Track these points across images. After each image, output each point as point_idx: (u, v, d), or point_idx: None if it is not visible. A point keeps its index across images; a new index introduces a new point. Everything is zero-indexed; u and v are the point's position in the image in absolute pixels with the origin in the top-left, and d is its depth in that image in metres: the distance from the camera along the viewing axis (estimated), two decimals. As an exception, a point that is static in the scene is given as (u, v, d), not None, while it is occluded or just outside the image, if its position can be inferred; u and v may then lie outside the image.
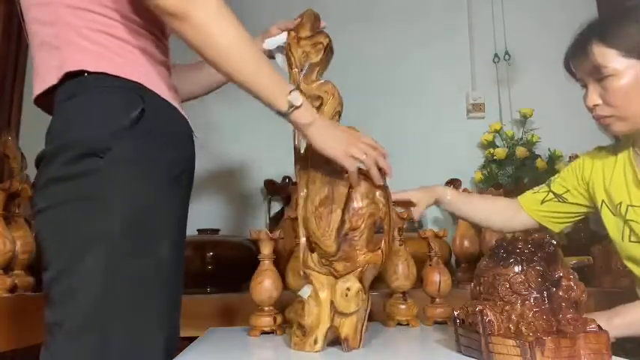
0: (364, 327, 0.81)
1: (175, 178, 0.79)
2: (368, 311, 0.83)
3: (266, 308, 0.98)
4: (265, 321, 0.97)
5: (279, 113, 0.77)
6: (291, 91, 0.76)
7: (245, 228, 1.61)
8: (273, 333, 0.97)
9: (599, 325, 0.66)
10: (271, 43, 0.93)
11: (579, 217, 1.13)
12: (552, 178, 1.14)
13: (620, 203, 1.00)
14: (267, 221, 1.79)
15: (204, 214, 1.73)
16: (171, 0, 0.69)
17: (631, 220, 0.98)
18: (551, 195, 1.11)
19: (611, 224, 1.02)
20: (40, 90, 0.77)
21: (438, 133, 1.87)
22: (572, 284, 0.69)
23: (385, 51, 1.92)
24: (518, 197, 1.17)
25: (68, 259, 0.70)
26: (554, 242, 0.73)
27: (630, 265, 1.01)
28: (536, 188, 1.15)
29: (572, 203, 1.10)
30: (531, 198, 1.14)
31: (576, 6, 1.91)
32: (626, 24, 0.95)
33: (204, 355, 0.83)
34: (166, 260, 0.75)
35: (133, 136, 0.73)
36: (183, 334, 1.14)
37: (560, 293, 0.69)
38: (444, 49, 1.96)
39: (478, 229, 1.60)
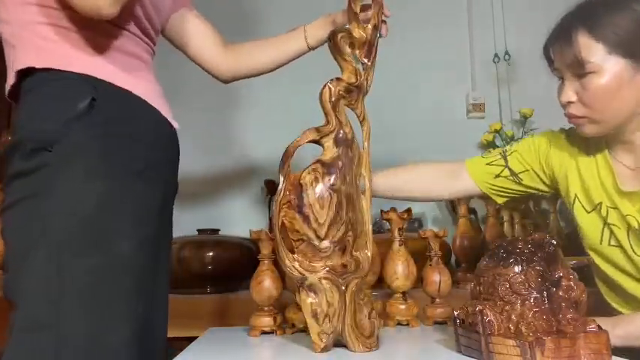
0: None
1: (137, 172, 0.76)
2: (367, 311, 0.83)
3: (266, 308, 0.98)
4: (265, 321, 0.97)
5: None
6: None
7: (245, 228, 1.61)
8: (273, 333, 0.97)
9: (599, 325, 0.66)
10: None
11: (524, 196, 1.08)
12: (507, 149, 1.05)
13: (600, 204, 0.94)
14: (267, 221, 1.79)
15: (204, 214, 1.73)
16: (108, 8, 0.70)
17: (613, 225, 0.92)
18: (507, 172, 1.02)
19: (587, 222, 0.96)
20: (7, 89, 0.77)
21: (438, 133, 1.87)
22: (572, 284, 0.69)
23: (384, 51, 1.92)
24: (466, 162, 1.07)
25: (20, 259, 0.69)
26: (554, 242, 0.73)
27: (605, 267, 0.96)
28: (489, 157, 1.06)
29: (526, 185, 1.03)
30: (484, 169, 1.04)
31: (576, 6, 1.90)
32: (618, 14, 0.84)
33: (204, 355, 0.83)
34: (128, 257, 0.73)
35: (84, 128, 0.71)
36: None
37: (560, 293, 0.69)
38: (444, 49, 1.96)
39: (478, 228, 1.60)
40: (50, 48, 0.74)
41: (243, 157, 1.88)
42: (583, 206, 0.97)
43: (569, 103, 0.89)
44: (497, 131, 1.85)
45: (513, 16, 1.97)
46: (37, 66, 0.73)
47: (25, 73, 0.74)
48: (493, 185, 1.04)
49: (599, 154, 0.96)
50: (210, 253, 1.45)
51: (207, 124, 1.85)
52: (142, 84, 0.80)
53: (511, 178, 1.02)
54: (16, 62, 0.74)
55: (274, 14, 1.85)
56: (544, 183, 1.03)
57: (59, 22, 0.75)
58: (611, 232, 0.93)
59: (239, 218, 1.81)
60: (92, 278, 0.69)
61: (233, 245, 1.52)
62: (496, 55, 1.96)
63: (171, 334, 0.93)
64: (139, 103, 0.79)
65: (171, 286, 0.93)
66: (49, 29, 0.74)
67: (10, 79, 0.76)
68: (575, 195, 0.97)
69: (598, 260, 0.97)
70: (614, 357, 0.65)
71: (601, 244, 0.95)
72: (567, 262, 0.73)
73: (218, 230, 1.62)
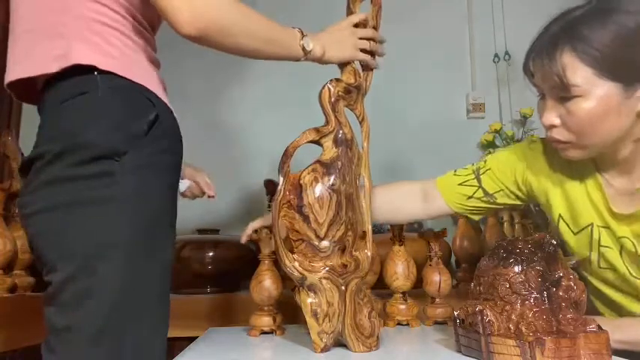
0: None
1: (175, 182, 0.79)
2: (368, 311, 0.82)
3: (266, 308, 0.98)
4: (265, 321, 0.97)
5: (298, 60, 0.85)
6: (301, 39, 0.83)
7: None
8: (272, 333, 0.97)
9: (599, 325, 0.66)
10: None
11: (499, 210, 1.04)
12: (481, 166, 0.98)
13: (591, 225, 0.87)
14: (267, 221, 1.79)
15: (204, 214, 1.73)
16: (186, 28, 0.70)
17: (604, 246, 0.86)
18: (480, 192, 0.96)
19: (574, 243, 0.91)
20: (30, 74, 0.73)
21: (438, 133, 1.87)
22: (572, 284, 0.69)
23: (385, 51, 1.92)
24: (437, 183, 1.00)
25: (83, 261, 0.69)
26: (554, 242, 0.73)
27: (599, 285, 0.92)
28: (461, 175, 0.99)
29: (500, 203, 0.97)
30: (455, 190, 0.98)
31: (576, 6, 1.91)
32: (607, 33, 0.75)
33: (204, 355, 0.83)
34: (169, 261, 0.76)
35: (148, 141, 0.73)
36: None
37: (560, 293, 0.69)
38: (444, 49, 1.96)
39: (478, 228, 1.60)
40: (110, 51, 0.73)
41: (243, 156, 1.88)
42: (569, 227, 0.91)
43: (552, 126, 0.82)
44: (497, 131, 1.85)
45: (513, 16, 1.97)
46: (100, 67, 0.71)
47: (75, 70, 0.71)
48: (466, 206, 0.98)
49: (589, 175, 0.88)
50: (210, 253, 1.45)
51: (206, 124, 1.86)
52: (165, 94, 0.81)
53: (485, 198, 0.97)
54: (71, 55, 0.71)
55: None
56: (519, 199, 0.97)
57: (114, 25, 0.74)
58: (601, 255, 0.88)
59: (239, 218, 1.81)
60: (147, 284, 0.72)
61: (233, 245, 1.52)
62: (496, 55, 1.96)
63: (171, 334, 0.93)
64: (172, 115, 0.80)
65: (171, 286, 0.93)
66: (106, 30, 0.73)
67: (48, 67, 0.72)
68: (560, 215, 0.91)
69: (591, 278, 0.93)
70: (614, 357, 0.65)
71: (590, 266, 0.90)
72: (567, 262, 0.73)
73: (218, 230, 1.62)
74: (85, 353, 0.68)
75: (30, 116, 0.78)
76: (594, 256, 0.89)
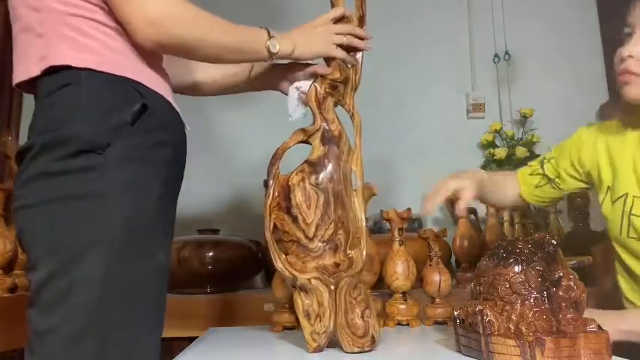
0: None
1: (171, 178, 0.76)
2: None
3: (287, 305, 1.00)
4: (286, 317, 1.00)
5: (265, 61, 0.84)
6: (267, 40, 0.81)
7: (245, 228, 1.61)
8: (294, 329, 0.98)
9: (599, 325, 0.66)
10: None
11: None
12: (546, 157, 1.08)
13: (626, 195, 0.93)
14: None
15: (204, 214, 1.73)
16: (139, 38, 0.70)
17: (635, 215, 0.91)
18: (545, 180, 1.06)
19: (610, 213, 0.97)
20: (22, 79, 0.73)
21: (438, 133, 1.87)
22: (572, 284, 0.69)
23: (385, 51, 1.92)
24: (518, 175, 1.11)
25: (65, 259, 0.67)
26: (554, 242, 0.73)
27: (628, 260, 0.95)
28: (532, 165, 1.09)
29: (562, 189, 1.06)
30: (528, 181, 1.08)
31: (576, 6, 1.92)
32: None
33: (204, 355, 0.83)
34: (162, 264, 0.74)
35: (134, 133, 0.70)
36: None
37: (560, 293, 0.69)
38: (444, 49, 1.96)
39: (478, 228, 1.60)
40: (87, 45, 0.72)
41: (243, 157, 1.88)
42: (611, 197, 0.97)
43: (630, 57, 0.87)
44: (497, 131, 1.85)
45: (513, 16, 1.97)
46: (73, 64, 0.70)
47: (54, 68, 0.70)
48: (535, 194, 1.08)
49: (636, 142, 0.94)
50: (210, 253, 1.45)
51: (206, 124, 1.85)
52: (165, 85, 0.79)
53: (548, 184, 1.06)
54: (49, 55, 0.70)
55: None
56: (577, 180, 1.04)
57: (94, 17, 0.72)
58: (630, 223, 0.92)
59: (239, 218, 1.81)
60: (135, 285, 0.69)
61: (233, 245, 1.52)
62: (496, 55, 1.96)
63: (171, 334, 0.93)
64: (169, 107, 0.78)
65: (171, 286, 0.93)
66: (84, 24, 0.72)
67: (33, 70, 0.72)
68: (608, 187, 0.98)
69: (621, 251, 0.97)
70: (614, 357, 0.65)
71: (620, 235, 0.95)
72: (567, 262, 0.73)
73: (218, 230, 1.62)
74: (66, 355, 0.66)
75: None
76: (625, 225, 0.93)
